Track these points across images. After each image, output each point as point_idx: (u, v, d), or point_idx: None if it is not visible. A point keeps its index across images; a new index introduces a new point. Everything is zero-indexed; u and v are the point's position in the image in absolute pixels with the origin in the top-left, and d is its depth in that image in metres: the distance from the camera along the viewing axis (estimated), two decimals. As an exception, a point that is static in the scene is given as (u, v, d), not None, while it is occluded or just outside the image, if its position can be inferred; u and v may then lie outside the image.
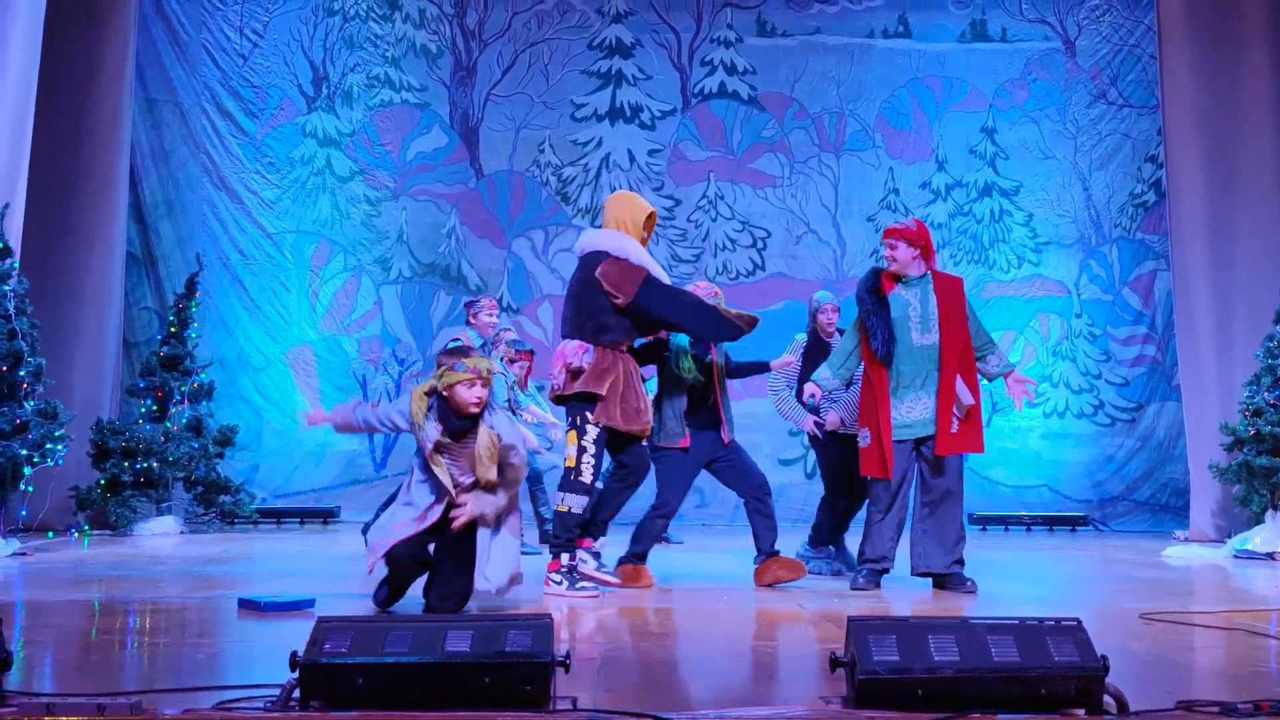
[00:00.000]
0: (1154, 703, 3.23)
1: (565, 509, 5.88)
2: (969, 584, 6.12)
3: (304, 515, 11.37)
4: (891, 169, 12.62)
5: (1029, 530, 11.53)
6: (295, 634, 3.49)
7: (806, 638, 4.65)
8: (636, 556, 6.48)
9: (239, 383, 11.93)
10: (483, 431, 5.04)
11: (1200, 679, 3.84)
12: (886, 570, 6.25)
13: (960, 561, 6.19)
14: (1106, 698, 3.11)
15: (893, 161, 12.63)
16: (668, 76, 12.70)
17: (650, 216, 6.18)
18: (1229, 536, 9.35)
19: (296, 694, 3.11)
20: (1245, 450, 9.18)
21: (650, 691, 3.65)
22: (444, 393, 5.08)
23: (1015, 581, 7.00)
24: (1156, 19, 10.86)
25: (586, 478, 5.85)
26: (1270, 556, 8.59)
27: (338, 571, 7.12)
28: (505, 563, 5.11)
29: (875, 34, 12.71)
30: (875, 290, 6.23)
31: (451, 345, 6.89)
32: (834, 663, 3.25)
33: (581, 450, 5.86)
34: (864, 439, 6.23)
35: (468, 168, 12.55)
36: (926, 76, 12.68)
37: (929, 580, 6.32)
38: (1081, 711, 3.10)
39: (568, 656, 3.22)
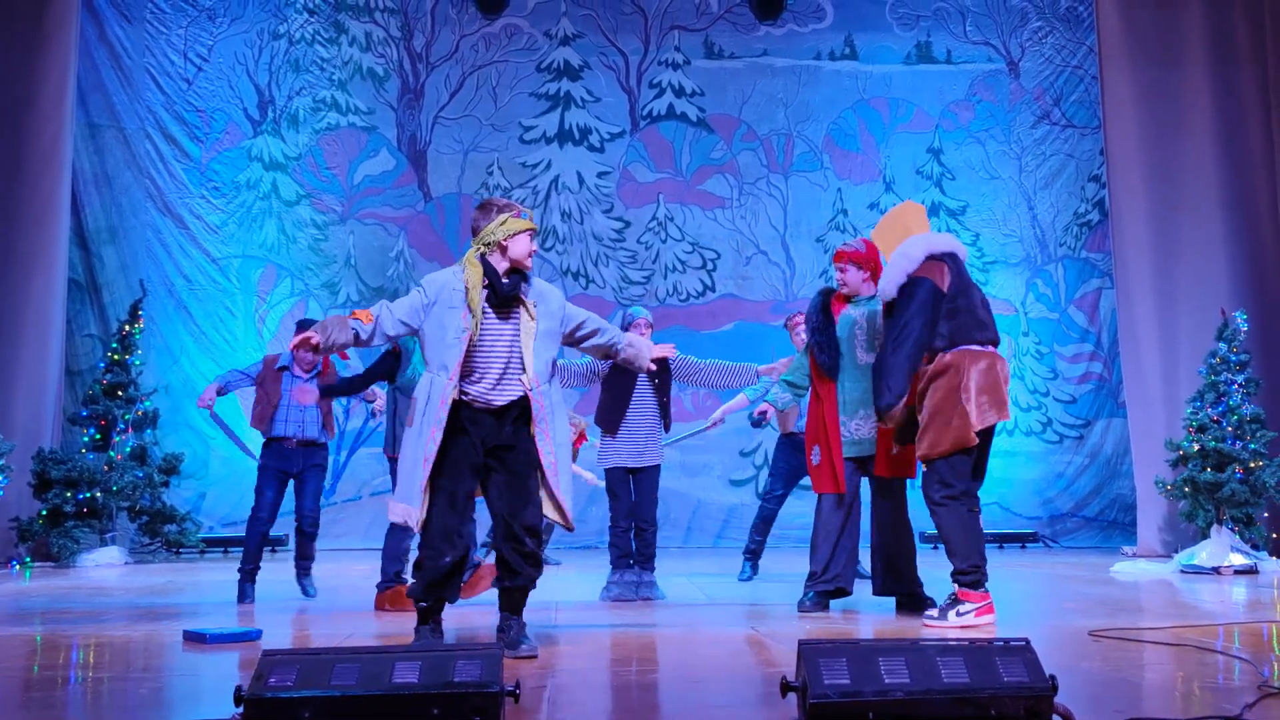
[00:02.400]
0: (1103, 721, 3.25)
1: None
2: (928, 603, 6.14)
3: (252, 543, 11.21)
4: (840, 190, 12.70)
5: (979, 548, 11.58)
6: (242, 667, 3.44)
7: (758, 661, 4.63)
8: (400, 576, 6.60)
9: (184, 410, 11.76)
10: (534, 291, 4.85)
11: (1149, 696, 3.86)
12: (843, 591, 6.24)
13: (918, 582, 6.23)
14: (1055, 717, 3.12)
15: (841, 182, 12.71)
16: (616, 99, 12.72)
17: None
18: (1176, 551, 9.45)
19: (241, 729, 3.06)
20: (1190, 466, 9.30)
21: None
22: (503, 244, 4.78)
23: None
24: (1098, 41, 11.02)
25: None
26: (1216, 571, 8.68)
27: (285, 601, 7.03)
28: (569, 489, 4.87)
29: (822, 56, 12.81)
30: (823, 309, 6.30)
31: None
32: (785, 687, 3.23)
33: None
34: (815, 456, 6.25)
35: (416, 190, 12.50)
36: (873, 98, 12.78)
37: (880, 600, 6.34)
38: (1032, 731, 3.11)
39: (517, 686, 3.19)
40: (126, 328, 10.82)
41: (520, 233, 4.79)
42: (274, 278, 12.23)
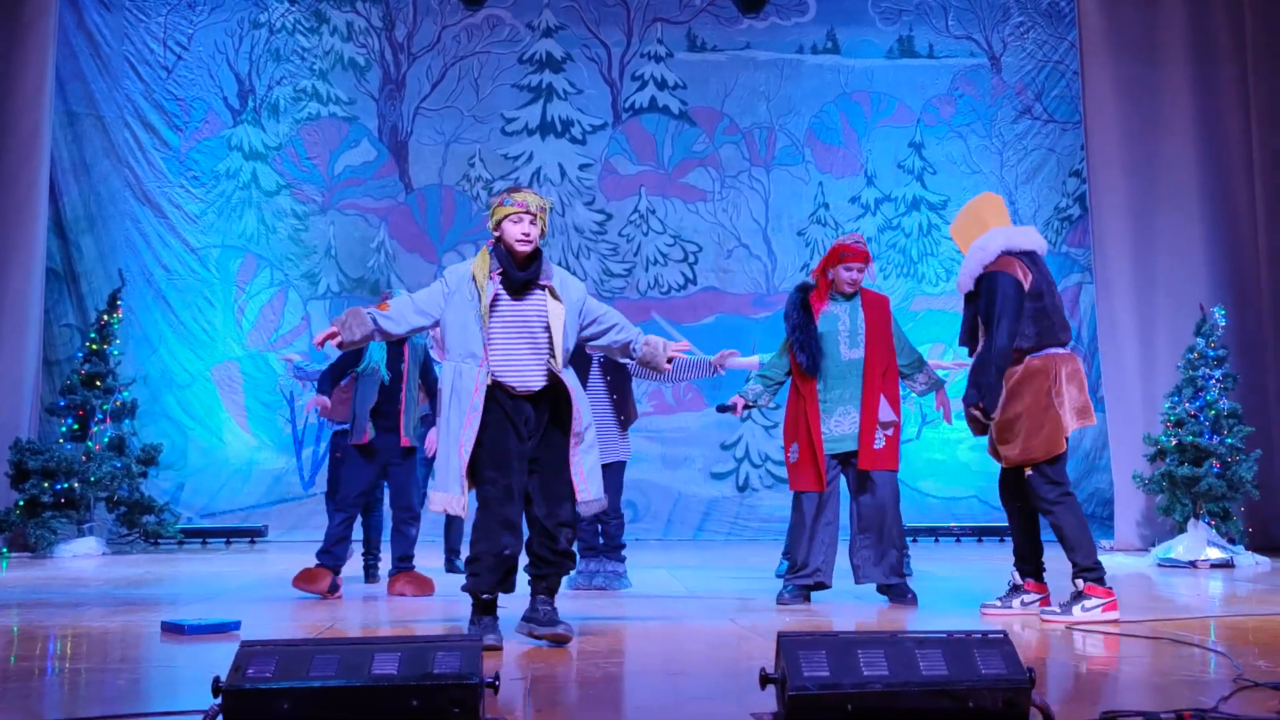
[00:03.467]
0: (1080, 714, 3.27)
1: None
2: (910, 595, 6.17)
3: (230, 535, 11.22)
4: (821, 183, 12.70)
5: (959, 541, 11.64)
6: (220, 658, 3.43)
7: (738, 654, 4.64)
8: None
9: (163, 400, 11.72)
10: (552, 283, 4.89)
11: (1125, 689, 3.88)
12: (822, 585, 6.27)
13: (901, 573, 6.25)
14: (1033, 710, 3.14)
15: (822, 176, 12.72)
16: (598, 91, 12.69)
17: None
18: (1153, 545, 9.50)
19: (219, 720, 3.05)
20: (1168, 460, 9.35)
21: (581, 712, 3.63)
22: (497, 235, 4.88)
23: (945, 593, 7.05)
24: (1079, 37, 11.05)
25: None
26: (1192, 564, 8.74)
27: (264, 592, 7.02)
28: (596, 475, 4.92)
29: (804, 49, 12.81)
30: (803, 306, 6.30)
31: None
32: (764, 679, 3.24)
33: None
34: (794, 454, 6.27)
35: (397, 181, 12.45)
36: (855, 92, 12.79)
37: (861, 591, 6.37)
38: (1009, 724, 3.12)
39: (496, 677, 3.19)
40: (105, 317, 10.75)
41: (502, 220, 4.86)
42: (253, 268, 12.17)
